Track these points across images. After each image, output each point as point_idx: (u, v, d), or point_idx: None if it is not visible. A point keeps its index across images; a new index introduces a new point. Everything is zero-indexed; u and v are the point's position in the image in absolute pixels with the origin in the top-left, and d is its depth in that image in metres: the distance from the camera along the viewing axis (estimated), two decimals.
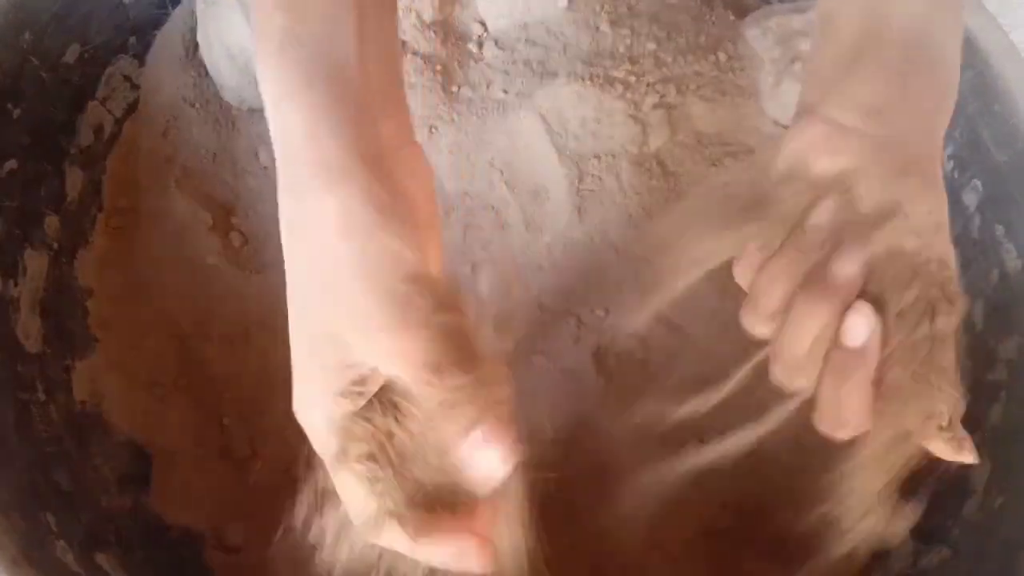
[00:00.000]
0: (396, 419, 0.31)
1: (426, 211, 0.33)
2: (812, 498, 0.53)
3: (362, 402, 0.30)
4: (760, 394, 0.38)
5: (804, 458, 0.53)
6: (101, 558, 0.46)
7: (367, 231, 0.29)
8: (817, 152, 0.33)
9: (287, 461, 0.52)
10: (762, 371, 0.38)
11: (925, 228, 0.33)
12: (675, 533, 0.52)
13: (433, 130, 0.56)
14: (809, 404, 0.38)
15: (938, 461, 0.37)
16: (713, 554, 0.52)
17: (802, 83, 0.36)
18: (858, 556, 0.52)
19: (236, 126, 0.56)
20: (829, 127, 0.33)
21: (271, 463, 0.52)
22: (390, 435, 0.30)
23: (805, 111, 0.34)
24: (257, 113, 0.56)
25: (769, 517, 0.53)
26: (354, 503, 0.31)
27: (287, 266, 0.32)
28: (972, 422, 0.52)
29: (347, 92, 0.30)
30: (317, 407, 0.31)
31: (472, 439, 0.30)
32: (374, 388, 0.30)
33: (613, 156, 0.55)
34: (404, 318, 0.29)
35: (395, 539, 0.31)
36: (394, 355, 0.29)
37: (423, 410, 0.30)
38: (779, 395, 0.38)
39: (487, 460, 0.30)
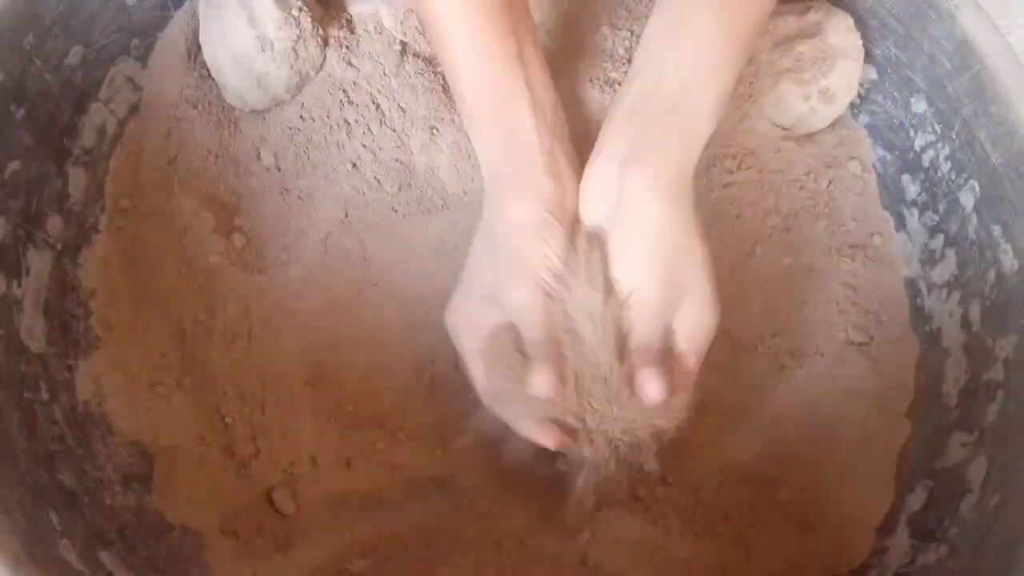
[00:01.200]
0: None
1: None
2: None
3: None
4: None
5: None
6: (104, 556, 0.46)
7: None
8: (591, 188, 0.46)
9: (290, 460, 0.52)
10: None
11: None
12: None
13: (434, 131, 0.56)
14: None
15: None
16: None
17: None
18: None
19: (238, 127, 0.57)
20: (597, 173, 0.45)
21: (274, 462, 0.52)
22: None
23: (591, 158, 0.46)
24: (259, 115, 0.57)
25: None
26: None
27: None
28: (969, 421, 0.53)
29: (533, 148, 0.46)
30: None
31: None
32: None
33: None
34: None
35: None
36: None
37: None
38: None
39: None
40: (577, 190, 0.46)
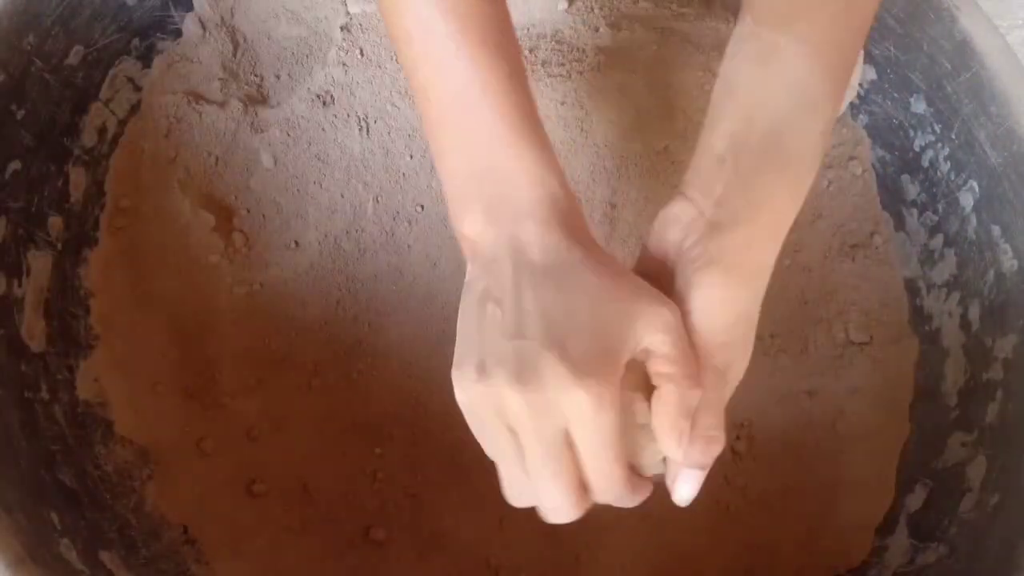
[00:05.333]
0: None
1: None
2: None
3: None
4: None
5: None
6: (105, 556, 0.46)
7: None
8: (678, 223, 0.39)
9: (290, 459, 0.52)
10: None
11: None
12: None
13: None
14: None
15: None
16: None
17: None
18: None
19: (239, 128, 0.57)
20: (688, 206, 0.39)
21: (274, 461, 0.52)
22: None
23: (677, 191, 0.40)
24: (260, 116, 0.57)
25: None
26: None
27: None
28: (969, 421, 0.53)
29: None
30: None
31: None
32: None
33: (622, 157, 0.56)
34: None
35: None
36: None
37: None
38: None
39: None
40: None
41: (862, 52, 0.57)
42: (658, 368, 0.36)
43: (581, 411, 0.33)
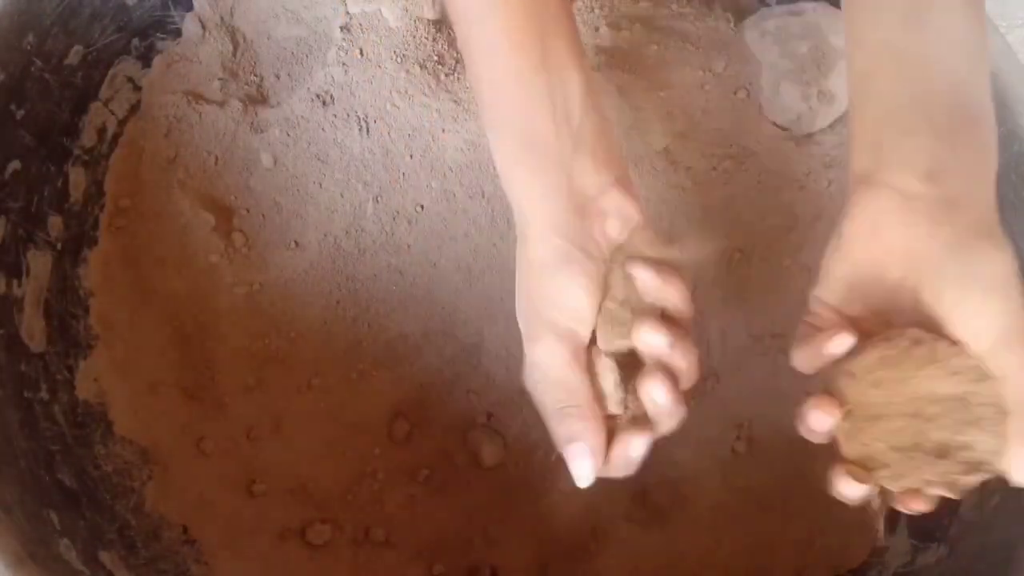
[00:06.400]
0: None
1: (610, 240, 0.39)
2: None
3: None
4: None
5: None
6: (104, 556, 0.46)
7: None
8: (890, 222, 0.34)
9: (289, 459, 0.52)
10: None
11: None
12: None
13: (435, 137, 0.56)
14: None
15: None
16: None
17: (850, 144, 0.37)
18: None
19: (239, 128, 0.57)
20: (895, 196, 0.34)
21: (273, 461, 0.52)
22: None
23: (864, 180, 0.35)
24: (260, 116, 0.57)
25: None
26: None
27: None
28: None
29: (550, 160, 0.39)
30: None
31: None
32: None
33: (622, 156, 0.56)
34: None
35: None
36: None
37: None
38: None
39: None
40: (622, 214, 0.39)
41: None
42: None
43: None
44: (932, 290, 0.34)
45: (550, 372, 0.39)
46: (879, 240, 0.35)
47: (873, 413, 0.34)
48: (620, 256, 0.39)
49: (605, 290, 0.39)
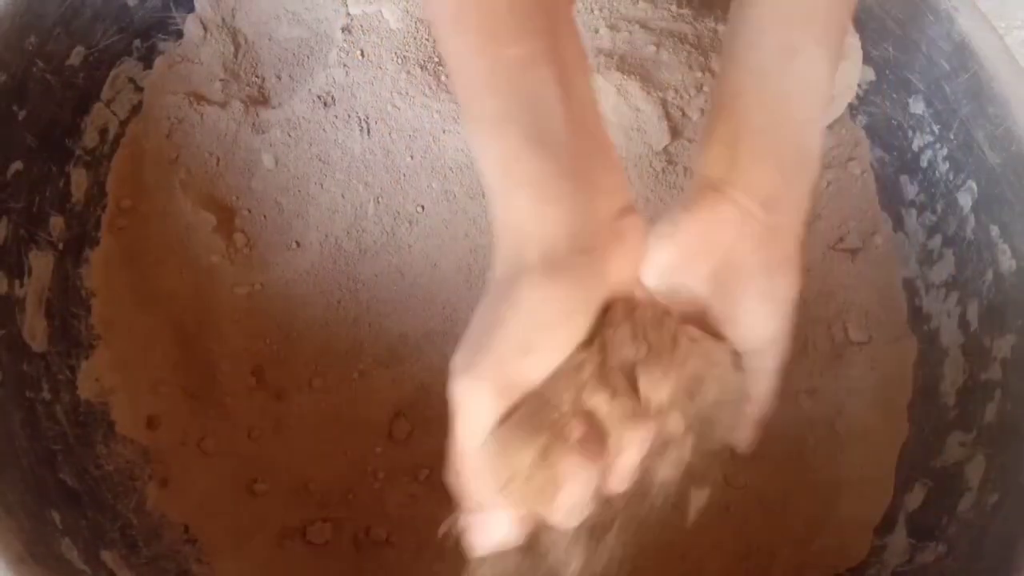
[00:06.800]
0: None
1: (625, 275, 0.36)
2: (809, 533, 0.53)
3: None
4: None
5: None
6: (106, 556, 0.46)
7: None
8: (724, 230, 0.38)
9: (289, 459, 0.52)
10: None
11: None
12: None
13: (436, 138, 0.56)
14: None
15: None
16: None
17: (705, 146, 0.39)
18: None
19: (240, 128, 0.57)
20: (736, 211, 0.38)
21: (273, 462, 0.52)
22: None
23: (712, 186, 0.38)
24: (261, 117, 0.57)
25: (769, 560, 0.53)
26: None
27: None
28: (967, 420, 0.53)
29: (562, 167, 0.33)
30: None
31: None
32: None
33: (621, 158, 0.56)
34: None
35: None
36: None
37: None
38: None
39: None
40: (632, 254, 0.36)
41: (861, 53, 0.58)
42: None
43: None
44: (733, 295, 0.38)
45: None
46: (708, 240, 0.38)
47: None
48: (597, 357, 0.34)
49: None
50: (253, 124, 0.57)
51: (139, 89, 0.57)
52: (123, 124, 0.56)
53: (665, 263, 0.38)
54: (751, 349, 0.39)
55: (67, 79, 0.53)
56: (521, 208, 0.33)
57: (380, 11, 0.58)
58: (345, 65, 0.57)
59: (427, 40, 0.58)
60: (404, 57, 0.57)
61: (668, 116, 0.57)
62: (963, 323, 0.55)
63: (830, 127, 0.60)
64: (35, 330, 0.50)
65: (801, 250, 0.39)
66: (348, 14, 0.59)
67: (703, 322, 0.39)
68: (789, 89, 0.39)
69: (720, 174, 0.38)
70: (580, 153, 0.34)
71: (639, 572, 0.52)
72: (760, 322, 0.39)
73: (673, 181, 0.56)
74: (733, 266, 0.38)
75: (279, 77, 0.59)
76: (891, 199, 0.60)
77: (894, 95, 0.59)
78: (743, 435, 0.42)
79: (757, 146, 0.38)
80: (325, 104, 0.57)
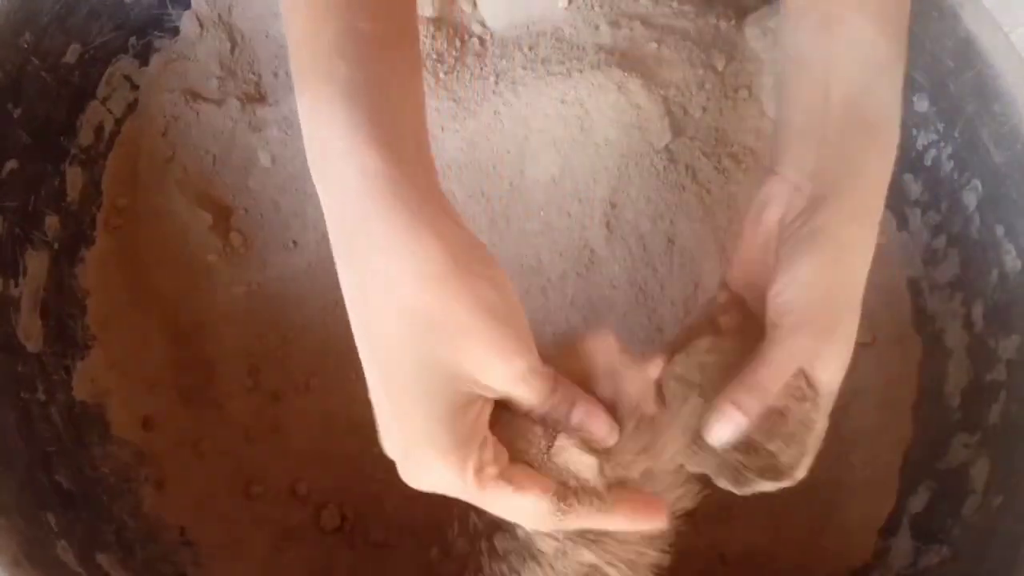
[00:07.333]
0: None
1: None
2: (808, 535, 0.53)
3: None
4: None
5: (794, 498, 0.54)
6: (101, 558, 0.46)
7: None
8: (775, 204, 0.39)
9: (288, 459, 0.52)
10: None
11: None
12: None
13: (433, 137, 0.56)
14: None
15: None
16: None
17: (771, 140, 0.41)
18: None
19: (236, 126, 0.56)
20: (785, 184, 0.39)
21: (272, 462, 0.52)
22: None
23: (769, 170, 0.40)
24: (258, 115, 0.57)
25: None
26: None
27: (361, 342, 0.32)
28: (972, 422, 0.53)
29: (408, 150, 0.31)
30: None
31: None
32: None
33: (622, 156, 0.55)
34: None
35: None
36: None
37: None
38: None
39: None
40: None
41: None
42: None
43: None
44: (778, 259, 0.38)
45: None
46: (764, 219, 0.39)
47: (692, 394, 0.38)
48: None
49: None
50: (250, 122, 0.56)
51: (135, 87, 0.56)
52: (119, 122, 0.56)
53: (740, 258, 0.40)
54: (780, 318, 0.37)
55: (62, 77, 0.52)
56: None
57: None
58: None
59: (425, 37, 0.57)
60: None
61: (670, 114, 0.57)
62: (968, 324, 0.54)
63: None
64: (30, 330, 0.49)
65: (855, 220, 0.37)
66: None
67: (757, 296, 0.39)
68: (827, 61, 0.39)
69: (774, 159, 0.40)
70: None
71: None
72: (790, 287, 0.37)
73: (675, 180, 0.56)
74: (781, 236, 0.38)
75: (276, 74, 0.58)
76: (895, 198, 0.59)
77: None
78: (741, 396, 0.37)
79: (797, 125, 0.39)
80: None
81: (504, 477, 0.33)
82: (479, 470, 0.32)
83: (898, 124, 0.40)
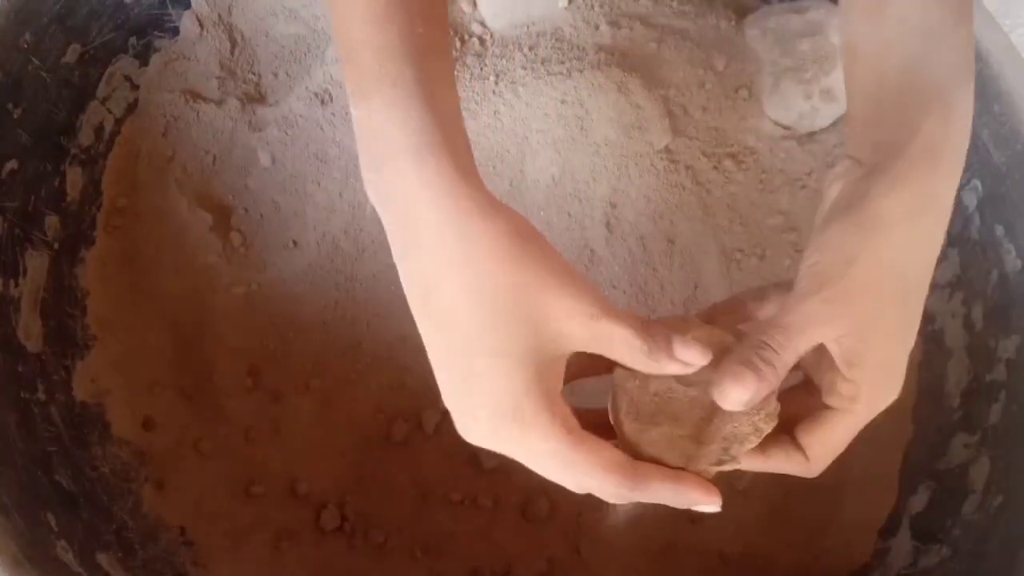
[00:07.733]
0: None
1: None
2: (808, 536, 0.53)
3: None
4: None
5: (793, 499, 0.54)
6: (102, 558, 0.46)
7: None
8: (838, 181, 0.38)
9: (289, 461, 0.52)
10: None
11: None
12: None
13: None
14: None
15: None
16: None
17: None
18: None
19: (236, 126, 0.56)
20: (849, 162, 0.38)
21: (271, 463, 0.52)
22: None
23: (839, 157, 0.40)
24: (258, 115, 0.56)
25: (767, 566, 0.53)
26: None
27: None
28: (972, 422, 0.53)
29: (462, 147, 0.34)
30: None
31: None
32: None
33: (622, 156, 0.55)
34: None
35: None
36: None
37: None
38: None
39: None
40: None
41: None
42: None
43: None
44: (818, 225, 0.37)
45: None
46: (826, 198, 0.38)
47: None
48: None
49: None
50: (250, 122, 0.56)
51: (135, 87, 0.56)
52: (119, 122, 0.56)
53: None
54: (798, 283, 0.35)
55: (62, 77, 0.52)
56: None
57: None
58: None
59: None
60: None
61: (670, 114, 0.57)
62: (968, 324, 0.54)
63: (833, 125, 0.59)
64: (30, 330, 0.49)
65: (897, 188, 0.35)
66: None
67: None
68: (880, 41, 0.39)
69: (846, 143, 0.40)
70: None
71: (638, 570, 0.52)
72: (813, 254, 0.35)
73: (675, 180, 0.56)
74: (835, 203, 0.37)
75: (276, 74, 0.58)
76: None
77: None
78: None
79: (856, 108, 0.40)
80: (322, 102, 0.57)
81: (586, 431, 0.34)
82: (568, 426, 0.33)
83: (967, 90, 0.38)
